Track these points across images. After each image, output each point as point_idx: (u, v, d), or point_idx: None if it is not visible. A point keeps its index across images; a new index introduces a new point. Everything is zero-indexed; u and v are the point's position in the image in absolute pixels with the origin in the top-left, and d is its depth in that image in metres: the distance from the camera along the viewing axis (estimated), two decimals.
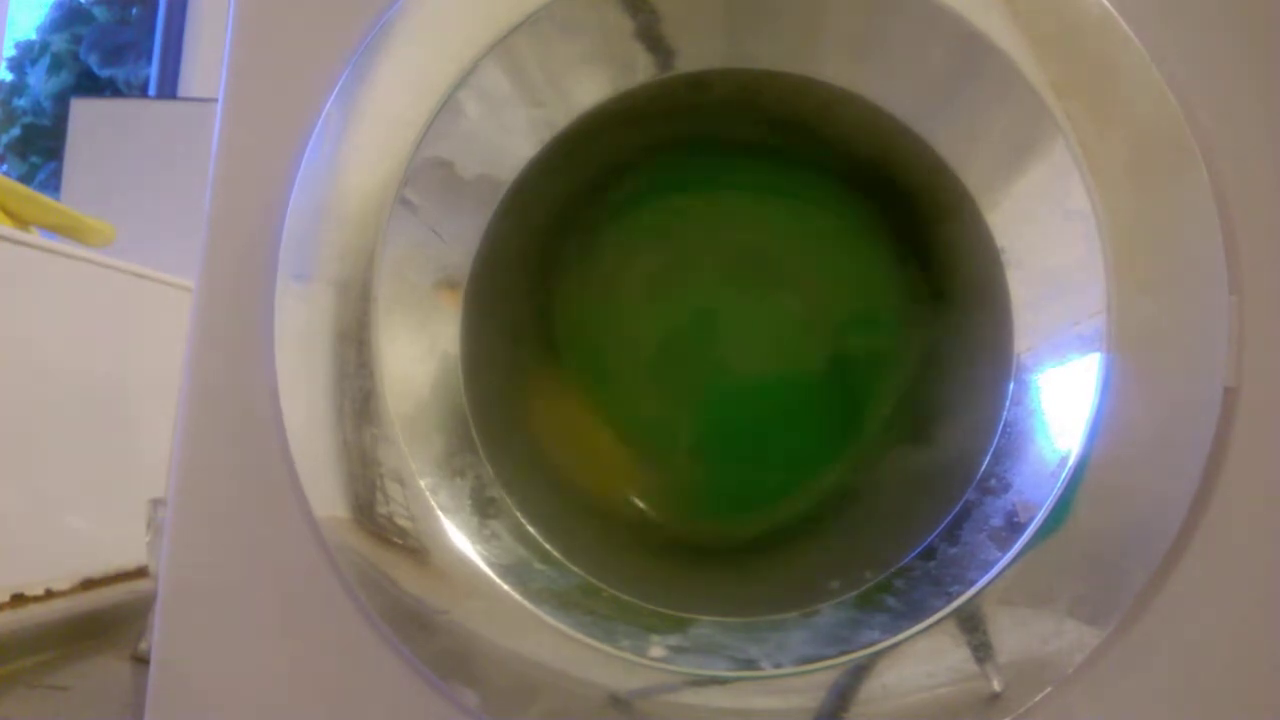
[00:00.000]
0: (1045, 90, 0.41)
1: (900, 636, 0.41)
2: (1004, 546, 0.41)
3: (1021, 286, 0.42)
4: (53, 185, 1.94)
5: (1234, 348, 0.40)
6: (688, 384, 0.54)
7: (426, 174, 0.44)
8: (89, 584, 0.88)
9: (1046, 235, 0.42)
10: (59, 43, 2.41)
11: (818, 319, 0.54)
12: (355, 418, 0.43)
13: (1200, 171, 0.40)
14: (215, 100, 0.47)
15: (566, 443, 0.54)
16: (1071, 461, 0.40)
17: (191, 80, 1.78)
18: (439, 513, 0.43)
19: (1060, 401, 0.41)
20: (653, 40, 0.44)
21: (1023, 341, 0.42)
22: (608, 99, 0.44)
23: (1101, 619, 0.40)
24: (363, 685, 0.44)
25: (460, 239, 0.45)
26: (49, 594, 0.83)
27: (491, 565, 0.43)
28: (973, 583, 0.41)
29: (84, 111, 1.51)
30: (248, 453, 0.45)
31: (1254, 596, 0.41)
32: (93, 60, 2.35)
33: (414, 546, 0.43)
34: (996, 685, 0.40)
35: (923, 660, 0.41)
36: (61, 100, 2.27)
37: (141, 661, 0.75)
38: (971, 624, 0.40)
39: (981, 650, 0.40)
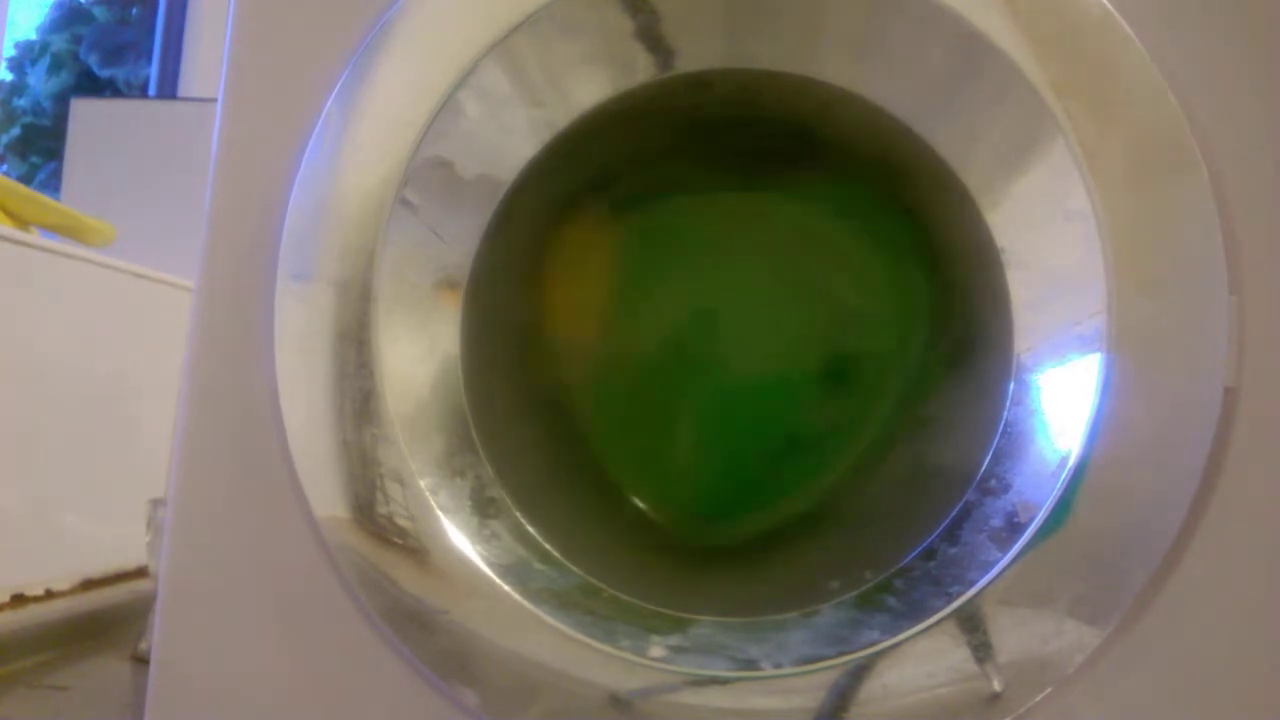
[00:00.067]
0: (1045, 90, 0.41)
1: (900, 636, 0.41)
2: (1004, 547, 0.41)
3: (1021, 286, 0.42)
4: (53, 185, 1.94)
5: (1234, 348, 0.40)
6: (688, 383, 0.54)
7: (426, 174, 0.44)
8: (89, 584, 0.88)
9: (1046, 235, 0.42)
10: (59, 43, 2.41)
11: (817, 319, 0.54)
12: (355, 418, 0.43)
13: (1200, 171, 0.40)
14: (215, 100, 0.47)
15: (566, 443, 0.54)
16: (1072, 461, 0.40)
17: (191, 80, 1.78)
18: (439, 513, 0.43)
19: (1060, 401, 0.41)
20: (653, 40, 0.44)
21: (1023, 341, 0.42)
22: (608, 99, 0.44)
23: (1101, 619, 0.40)
24: (363, 685, 0.44)
25: (460, 239, 0.45)
26: (49, 594, 0.83)
27: (491, 565, 0.43)
28: (973, 583, 0.41)
29: (84, 111, 1.51)
30: (248, 453, 0.45)
31: (1254, 596, 0.41)
32: (93, 60, 2.35)
33: (414, 546, 0.43)
34: (996, 685, 0.40)
35: (923, 660, 0.41)
36: (61, 100, 2.27)
37: (141, 661, 0.75)
38: (971, 624, 0.40)
39: (981, 650, 0.40)
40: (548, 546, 0.45)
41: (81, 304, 0.88)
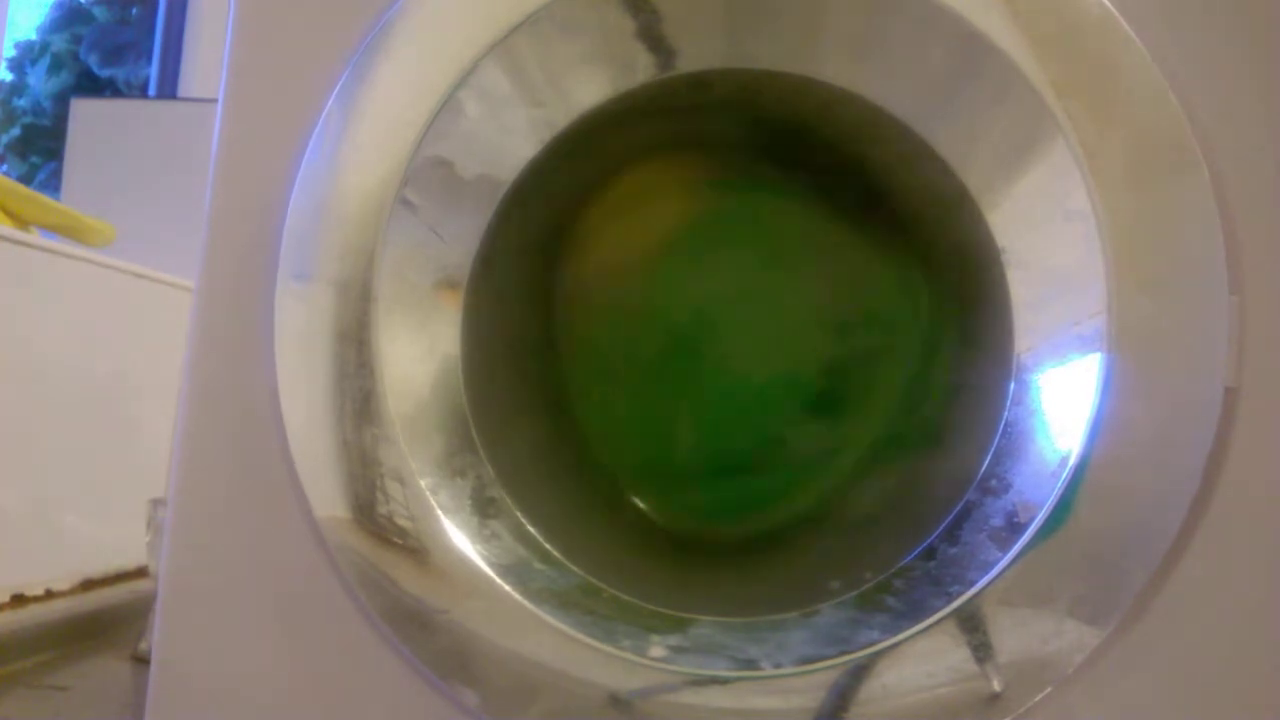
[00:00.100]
0: (1045, 90, 0.41)
1: (900, 636, 0.41)
2: (1004, 546, 0.41)
3: (1021, 286, 0.42)
4: (53, 185, 1.94)
5: (1234, 348, 0.40)
6: (688, 384, 0.54)
7: (426, 174, 0.44)
8: (89, 584, 0.88)
9: (1046, 235, 0.42)
10: (59, 43, 2.41)
11: (817, 319, 0.54)
12: (355, 418, 0.43)
13: (1200, 171, 0.40)
14: (215, 100, 0.47)
15: (566, 443, 0.54)
16: (1072, 461, 0.40)
17: (191, 80, 1.78)
18: (439, 513, 0.43)
19: (1060, 401, 0.41)
20: (653, 40, 0.44)
21: (1023, 341, 0.42)
22: (608, 99, 0.44)
23: (1101, 619, 0.40)
24: (363, 685, 0.44)
25: (460, 239, 0.45)
26: (49, 594, 0.83)
27: (492, 565, 0.43)
28: (973, 583, 0.41)
29: (84, 111, 1.51)
30: (248, 453, 0.45)
31: (1254, 596, 0.41)
32: (93, 60, 2.35)
33: (414, 546, 0.43)
34: (996, 685, 0.40)
35: (923, 660, 0.41)
36: (61, 100, 2.27)
37: (141, 661, 0.75)
38: (971, 624, 0.40)
39: (981, 650, 0.40)
40: (548, 546, 0.45)
41: (81, 304, 0.88)
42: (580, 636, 0.42)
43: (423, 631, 0.42)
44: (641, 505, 0.53)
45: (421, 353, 0.45)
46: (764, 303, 0.54)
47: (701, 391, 0.54)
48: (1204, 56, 0.41)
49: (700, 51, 0.44)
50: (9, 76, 2.44)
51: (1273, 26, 0.41)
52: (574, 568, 0.44)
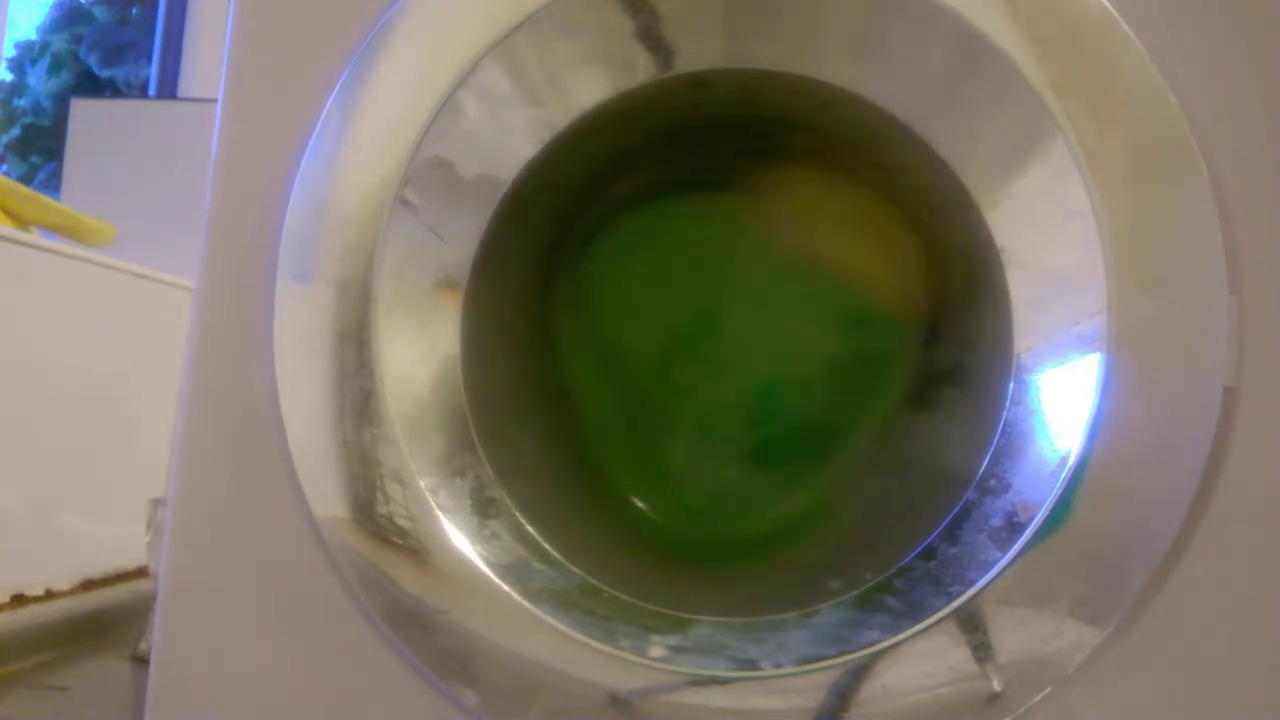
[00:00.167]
0: (1045, 90, 0.41)
1: (900, 636, 0.41)
2: (1004, 546, 0.41)
3: (1021, 286, 0.42)
4: (53, 185, 1.94)
5: (1234, 348, 0.40)
6: (688, 384, 0.54)
7: (426, 174, 0.44)
8: (89, 584, 0.88)
9: (1046, 235, 0.42)
10: (59, 43, 2.41)
11: (818, 319, 0.54)
12: (355, 418, 0.43)
13: (1200, 171, 0.40)
14: (215, 100, 0.47)
15: (566, 443, 0.54)
16: (1071, 461, 0.40)
17: (191, 80, 1.78)
18: (439, 513, 0.43)
19: (1060, 401, 0.41)
20: (653, 40, 0.44)
21: (1023, 341, 0.42)
22: (608, 99, 0.44)
23: (1101, 619, 0.40)
24: (363, 685, 0.44)
25: (460, 239, 0.45)
26: (49, 594, 0.83)
27: (491, 565, 0.43)
28: (973, 583, 0.41)
29: (84, 111, 1.51)
30: (248, 453, 0.45)
31: (1254, 596, 0.41)
32: (93, 60, 2.34)
33: (414, 546, 0.43)
34: (996, 685, 0.40)
35: (923, 660, 0.41)
36: (61, 100, 2.27)
37: (141, 661, 0.75)
38: (971, 624, 0.40)
39: (981, 650, 0.40)
40: (547, 546, 0.45)
41: (81, 304, 0.88)
42: (580, 636, 0.42)
43: (422, 631, 0.42)
44: (641, 505, 0.53)
45: (421, 353, 0.45)
46: (764, 302, 0.54)
47: (701, 391, 0.54)
48: (1203, 56, 0.41)
49: (700, 51, 0.44)
50: (9, 76, 2.44)
51: (1272, 26, 0.41)
52: (574, 568, 0.44)
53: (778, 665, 0.41)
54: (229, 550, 0.45)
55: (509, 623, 0.42)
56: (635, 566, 0.49)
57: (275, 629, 0.45)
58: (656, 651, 0.42)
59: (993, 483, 0.42)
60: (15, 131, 2.39)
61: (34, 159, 2.37)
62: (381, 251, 0.44)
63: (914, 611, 0.41)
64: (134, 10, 2.45)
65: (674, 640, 0.42)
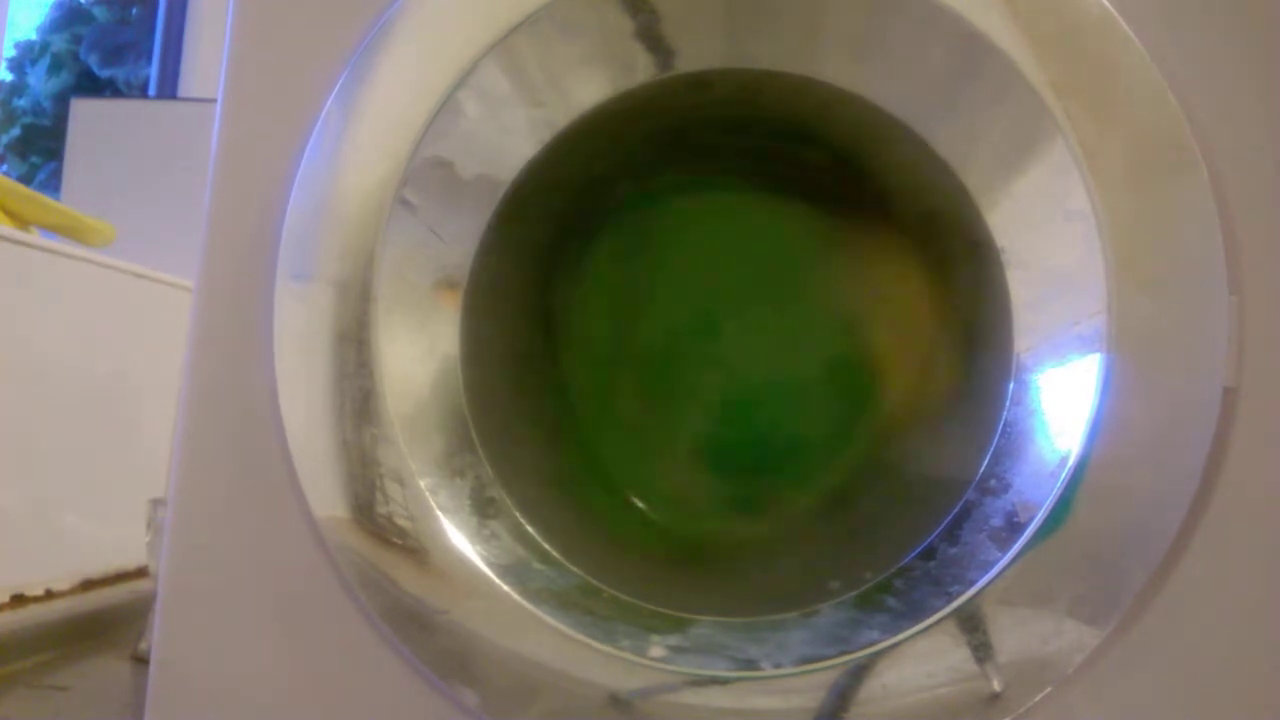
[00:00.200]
0: (1045, 90, 0.41)
1: (900, 636, 0.41)
2: (1004, 546, 0.41)
3: (1021, 286, 0.42)
4: (53, 185, 1.94)
5: (1234, 348, 0.40)
6: (688, 383, 0.54)
7: (426, 174, 0.44)
8: (89, 584, 0.88)
9: (1046, 235, 0.42)
10: (59, 43, 2.41)
11: (818, 319, 0.54)
12: (355, 418, 0.43)
13: (1200, 171, 0.40)
14: (215, 100, 0.47)
15: (566, 443, 0.54)
16: (1071, 461, 0.40)
17: (191, 80, 1.78)
18: (438, 513, 0.43)
19: (1060, 401, 0.41)
20: (653, 40, 0.44)
21: (1023, 341, 0.42)
22: (608, 99, 0.44)
23: (1101, 619, 0.40)
24: (363, 685, 0.44)
25: (460, 239, 0.45)
26: (49, 594, 0.83)
27: (491, 565, 0.43)
28: (973, 583, 0.41)
29: (84, 111, 1.51)
30: (248, 453, 0.45)
31: (1254, 596, 0.41)
32: (93, 60, 2.34)
33: (414, 546, 0.43)
34: (996, 685, 0.40)
35: (923, 660, 0.41)
36: (61, 100, 2.27)
37: (141, 661, 0.75)
38: (971, 624, 0.40)
39: (981, 650, 0.40)
40: (547, 546, 0.45)
41: (81, 304, 0.88)
42: (580, 636, 0.42)
43: (422, 632, 0.42)
44: (641, 505, 0.53)
45: (421, 353, 0.45)
46: (764, 302, 0.54)
47: (701, 391, 0.54)
48: (1203, 56, 0.41)
49: (700, 51, 0.44)
50: (9, 76, 2.44)
51: (1272, 26, 0.41)
52: (573, 568, 0.44)
53: (778, 665, 0.41)
54: (229, 550, 0.45)
55: (509, 623, 0.42)
56: (635, 566, 0.49)
57: (275, 629, 0.45)
58: (656, 651, 0.42)
59: (993, 483, 0.42)
60: (15, 131, 2.39)
61: (34, 159, 2.37)
62: (381, 251, 0.44)
63: (914, 611, 0.41)
64: (134, 10, 2.45)
65: (674, 640, 0.42)
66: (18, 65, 2.43)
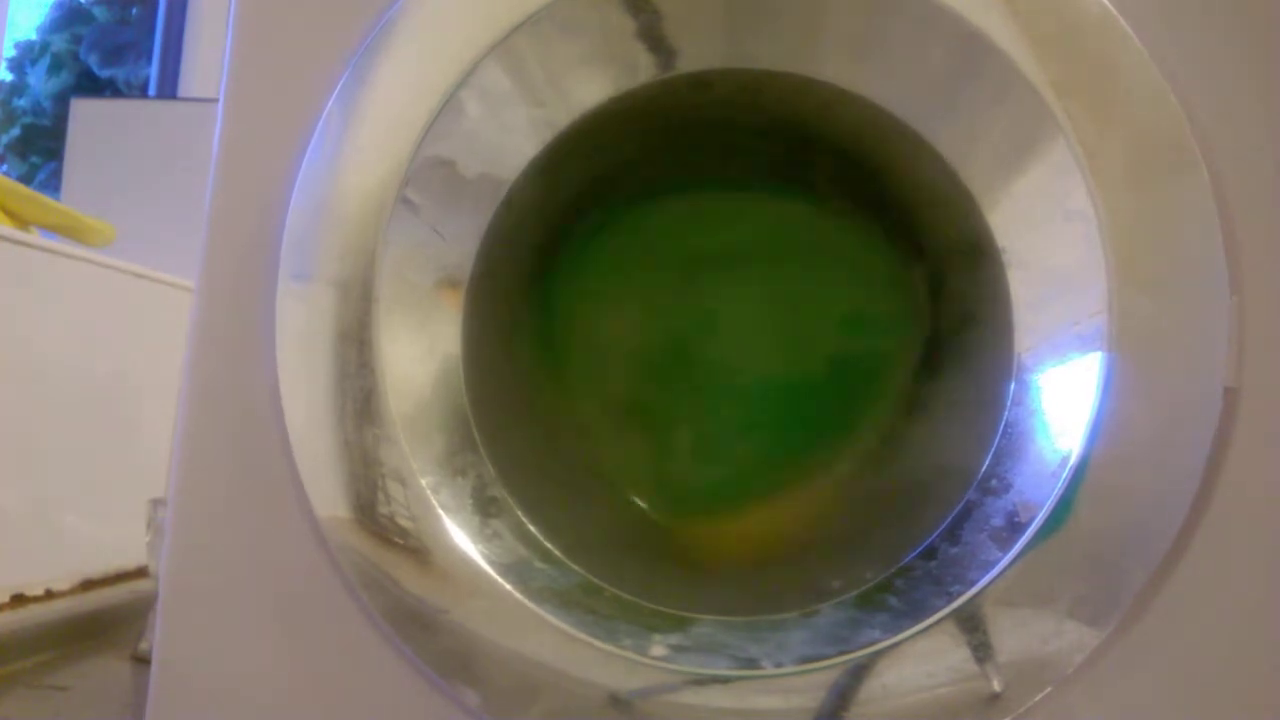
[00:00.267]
0: (1045, 90, 0.41)
1: (900, 636, 0.41)
2: (1004, 546, 0.41)
3: (1022, 286, 0.42)
4: (53, 185, 1.94)
5: (1234, 348, 0.40)
6: (688, 383, 0.54)
7: (427, 173, 0.44)
8: (89, 584, 0.88)
9: (1046, 235, 0.42)
10: (59, 43, 2.41)
11: (818, 319, 0.54)
12: (356, 417, 0.43)
13: (1200, 171, 0.40)
14: (215, 100, 0.47)
15: (567, 442, 0.54)
16: (1072, 461, 0.40)
17: (191, 80, 1.78)
18: (440, 512, 0.43)
19: (1061, 401, 0.41)
20: (654, 40, 0.44)
21: (1023, 341, 0.42)
22: (609, 99, 0.44)
23: (1102, 619, 0.40)
24: (363, 685, 0.44)
25: (461, 239, 0.45)
26: (49, 594, 0.83)
27: (493, 564, 0.43)
28: (973, 582, 0.41)
29: (84, 111, 1.51)
30: (248, 453, 0.45)
31: (1254, 596, 0.41)
32: (93, 60, 2.34)
33: (415, 546, 0.43)
34: (996, 685, 0.40)
35: (923, 660, 0.41)
36: (61, 100, 2.27)
37: (141, 661, 0.75)
38: (972, 624, 0.40)
39: (981, 650, 0.40)
40: (549, 546, 0.45)
41: (81, 304, 0.88)
42: (581, 636, 0.42)
43: (424, 631, 0.42)
44: (642, 505, 0.53)
45: (422, 352, 0.45)
46: (765, 302, 0.54)
47: (702, 390, 0.54)
48: (1204, 56, 0.41)
49: (700, 51, 0.44)
50: (9, 76, 2.44)
51: (1272, 26, 0.41)
52: (575, 567, 0.44)
53: (778, 665, 0.41)
54: (229, 550, 0.45)
55: (510, 622, 0.42)
56: (636, 566, 0.49)
57: (276, 629, 0.45)
58: (658, 651, 0.42)
59: (994, 483, 0.42)
60: (15, 131, 2.39)
61: (34, 159, 2.37)
62: (382, 251, 0.44)
63: (914, 611, 0.41)
64: (134, 10, 2.45)
65: (675, 639, 0.42)
66: (18, 65, 2.43)
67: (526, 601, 0.42)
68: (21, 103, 2.42)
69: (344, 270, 0.44)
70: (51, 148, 2.28)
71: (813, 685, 0.41)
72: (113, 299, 0.93)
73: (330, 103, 0.44)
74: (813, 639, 0.42)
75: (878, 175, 0.50)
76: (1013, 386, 0.42)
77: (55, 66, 2.40)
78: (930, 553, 0.43)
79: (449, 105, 0.43)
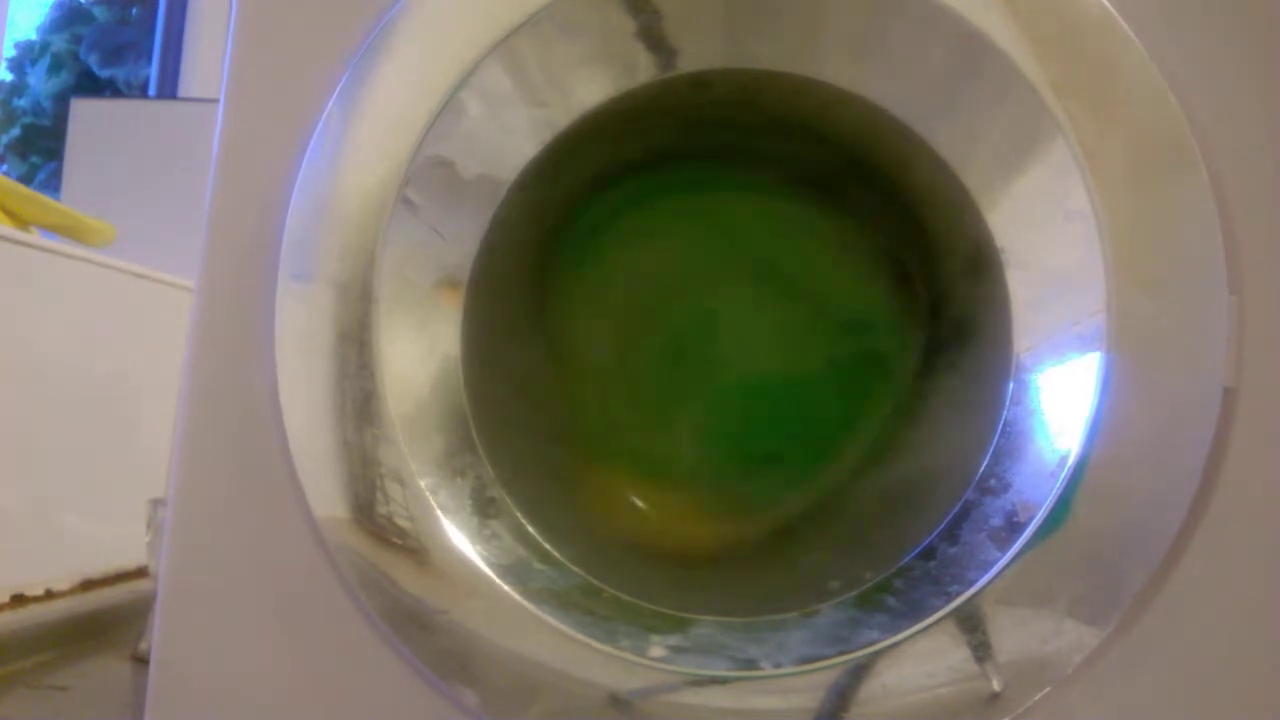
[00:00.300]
0: (1045, 90, 0.41)
1: (900, 636, 0.41)
2: (1004, 546, 0.41)
3: (1021, 286, 0.42)
4: (53, 185, 1.94)
5: (1234, 348, 0.40)
6: (688, 384, 0.54)
7: (427, 174, 0.44)
8: (89, 584, 0.88)
9: (1046, 235, 0.42)
10: (59, 43, 2.41)
11: (818, 319, 0.54)
12: (355, 418, 0.43)
13: (1200, 171, 0.40)
14: (215, 100, 0.47)
15: (566, 443, 0.54)
16: (1071, 461, 0.40)
17: (191, 80, 1.78)
18: (439, 513, 0.43)
19: (1060, 401, 0.41)
20: (654, 40, 0.44)
21: (1023, 341, 0.42)
22: (609, 99, 0.44)
23: (1101, 619, 0.40)
24: (363, 685, 0.44)
25: (461, 239, 0.45)
26: (49, 594, 0.83)
27: (491, 565, 0.43)
28: (972, 582, 0.41)
29: (84, 111, 1.51)
30: (248, 453, 0.45)
31: (1254, 596, 0.41)
32: (93, 60, 2.35)
33: (414, 546, 0.43)
34: (996, 685, 0.40)
35: (922, 660, 0.41)
36: (61, 100, 2.27)
37: (141, 661, 0.75)
38: (971, 624, 0.40)
39: (981, 650, 0.40)
40: (548, 546, 0.45)
41: (81, 304, 0.88)
42: (580, 636, 0.42)
43: (423, 632, 0.42)
44: (641, 505, 0.53)
45: (421, 353, 0.45)
46: (764, 303, 0.54)
47: (701, 391, 0.54)
48: (1203, 56, 0.41)
49: (700, 51, 0.44)
50: (9, 76, 2.44)
51: (1272, 26, 0.41)
52: (574, 567, 0.44)
53: (778, 665, 0.41)
54: (229, 550, 0.45)
55: (509, 623, 0.42)
56: (636, 566, 0.49)
57: (275, 629, 0.45)
58: (657, 651, 0.42)
59: (992, 482, 0.42)
60: (15, 131, 2.39)
61: (34, 159, 2.37)
62: (382, 251, 0.44)
63: (914, 611, 0.41)
64: (134, 10, 2.45)
65: (674, 640, 0.42)
66: (18, 65, 2.43)
67: (525, 602, 0.42)
68: (21, 103, 2.42)
69: (344, 270, 0.44)
70: (51, 148, 2.28)
71: (812, 685, 0.41)
72: (113, 299, 0.93)
73: (330, 103, 0.44)
74: (812, 639, 0.42)
75: (877, 175, 0.50)
76: (1012, 386, 0.42)
77: (55, 66, 2.40)
78: (929, 553, 0.43)
79: (449, 105, 0.43)
